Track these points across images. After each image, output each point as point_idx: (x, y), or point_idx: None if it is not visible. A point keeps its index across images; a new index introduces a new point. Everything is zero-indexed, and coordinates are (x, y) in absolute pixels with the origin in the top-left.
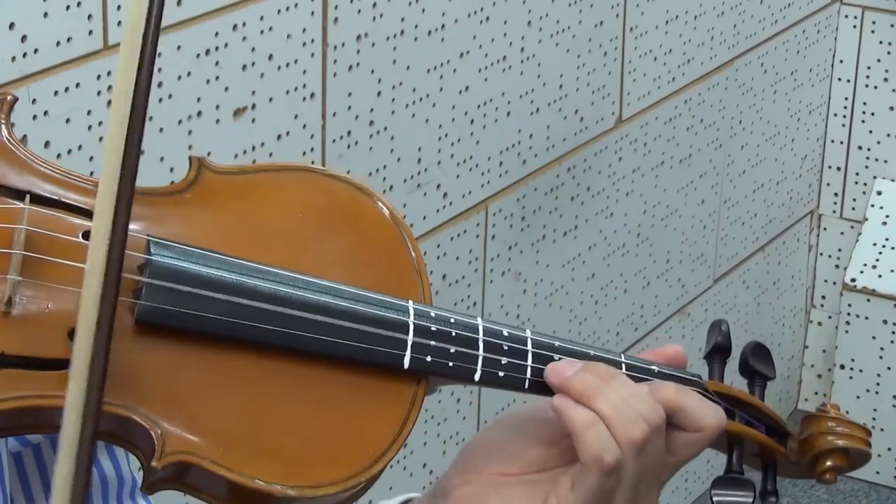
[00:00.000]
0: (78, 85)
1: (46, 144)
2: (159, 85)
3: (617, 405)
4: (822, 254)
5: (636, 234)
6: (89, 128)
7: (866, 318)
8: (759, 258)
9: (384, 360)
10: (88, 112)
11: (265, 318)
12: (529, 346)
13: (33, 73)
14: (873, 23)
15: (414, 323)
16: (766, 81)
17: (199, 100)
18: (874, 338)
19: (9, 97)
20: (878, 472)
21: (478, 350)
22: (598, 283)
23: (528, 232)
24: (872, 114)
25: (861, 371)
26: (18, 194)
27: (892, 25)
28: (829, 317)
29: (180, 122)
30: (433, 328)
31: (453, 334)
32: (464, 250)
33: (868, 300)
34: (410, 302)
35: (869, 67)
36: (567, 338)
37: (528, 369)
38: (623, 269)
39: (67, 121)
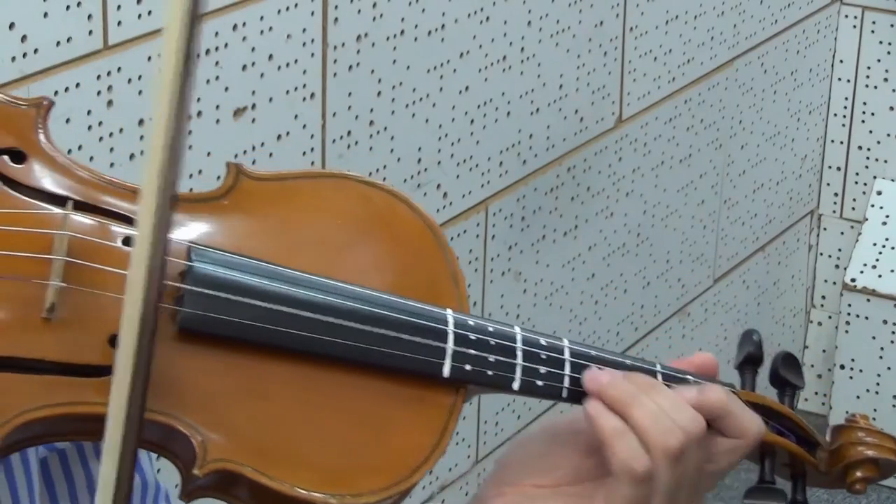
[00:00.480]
0: (78, 85)
1: None
2: None
3: (653, 414)
4: (822, 254)
5: (636, 234)
6: (89, 128)
7: (866, 318)
8: (759, 258)
9: (423, 368)
10: (88, 112)
11: (306, 326)
12: (567, 356)
13: (33, 73)
14: (873, 23)
15: (453, 332)
16: (766, 81)
17: (199, 100)
18: (874, 338)
19: (45, 101)
20: None
21: (516, 359)
22: (598, 283)
23: (528, 232)
24: (872, 114)
25: (861, 371)
26: (59, 200)
27: (892, 25)
28: (829, 317)
29: None
30: (472, 337)
31: (492, 343)
32: (464, 250)
33: (868, 300)
34: (449, 310)
35: (869, 67)
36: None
37: (567, 378)
38: (623, 269)
39: (67, 121)
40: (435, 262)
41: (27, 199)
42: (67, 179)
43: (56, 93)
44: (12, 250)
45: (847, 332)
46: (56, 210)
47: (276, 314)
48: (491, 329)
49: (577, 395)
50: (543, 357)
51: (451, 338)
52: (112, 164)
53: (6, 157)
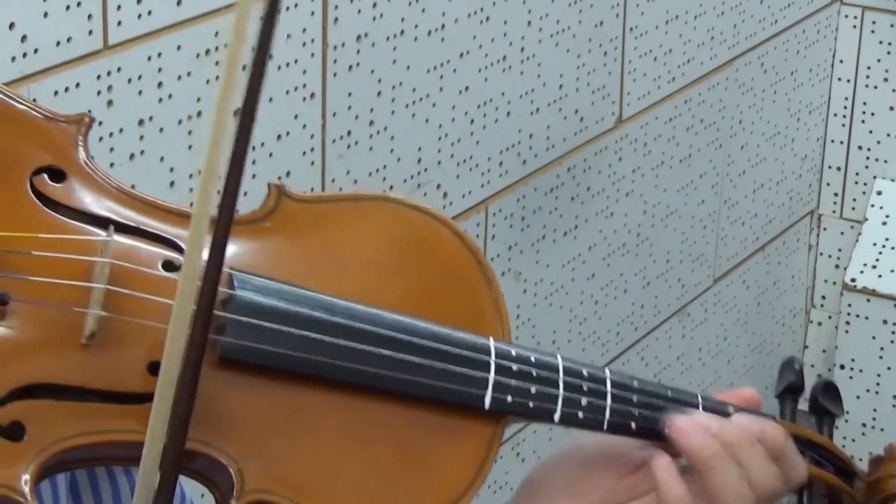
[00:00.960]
0: (78, 85)
1: None
2: (159, 85)
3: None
4: (822, 254)
5: (636, 234)
6: (99, 123)
7: (866, 318)
8: (759, 258)
9: (464, 399)
10: (88, 112)
11: (347, 356)
12: (609, 388)
13: (33, 73)
14: (873, 23)
15: (495, 362)
16: (766, 81)
17: (199, 100)
18: (874, 338)
19: (86, 118)
20: None
21: (558, 390)
22: (598, 283)
23: (528, 232)
24: (872, 114)
25: (861, 371)
26: (99, 221)
27: (892, 25)
28: (829, 317)
29: (180, 122)
30: (514, 367)
31: (534, 374)
32: None
33: (868, 300)
34: (491, 340)
35: (869, 67)
36: (567, 338)
37: (608, 410)
38: (623, 269)
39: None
40: (478, 289)
41: (67, 220)
42: (107, 200)
43: (56, 93)
44: (53, 277)
45: (847, 332)
46: (97, 234)
47: (318, 344)
48: (533, 359)
49: (617, 426)
50: (585, 389)
51: (492, 368)
52: (112, 164)
53: (45, 176)
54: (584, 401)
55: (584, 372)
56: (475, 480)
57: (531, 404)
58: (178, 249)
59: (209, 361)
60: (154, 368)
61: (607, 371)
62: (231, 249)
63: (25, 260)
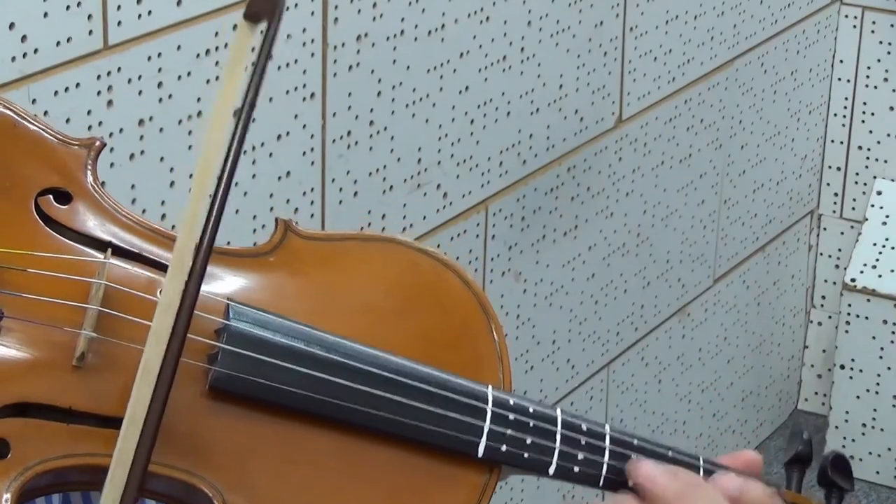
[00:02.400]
0: (78, 85)
1: None
2: (159, 85)
3: None
4: (822, 254)
5: (636, 234)
6: (89, 128)
7: (866, 318)
8: (759, 258)
9: (458, 446)
10: (88, 112)
11: (340, 394)
12: (607, 443)
13: (33, 73)
14: (873, 23)
15: (492, 410)
16: (766, 81)
17: (199, 100)
18: (874, 338)
19: (97, 143)
20: (878, 472)
21: (555, 443)
22: (598, 283)
23: (528, 232)
24: (872, 114)
25: (861, 371)
26: (100, 244)
27: (892, 25)
28: (829, 317)
29: (180, 122)
30: (511, 417)
31: (531, 425)
32: (464, 250)
33: (868, 300)
34: (490, 387)
35: (869, 67)
36: (567, 338)
37: (605, 466)
38: (623, 269)
39: (67, 121)
40: (481, 337)
41: (67, 241)
42: (110, 224)
43: (56, 93)
44: (49, 296)
45: (847, 332)
46: (95, 256)
47: (310, 379)
48: (531, 410)
49: (614, 483)
50: (583, 443)
51: (488, 416)
52: (112, 165)
53: (51, 197)
54: (580, 455)
55: (584, 426)
56: None
57: (526, 455)
58: None
59: (199, 390)
60: None
61: (607, 427)
62: (231, 281)
63: (21, 277)
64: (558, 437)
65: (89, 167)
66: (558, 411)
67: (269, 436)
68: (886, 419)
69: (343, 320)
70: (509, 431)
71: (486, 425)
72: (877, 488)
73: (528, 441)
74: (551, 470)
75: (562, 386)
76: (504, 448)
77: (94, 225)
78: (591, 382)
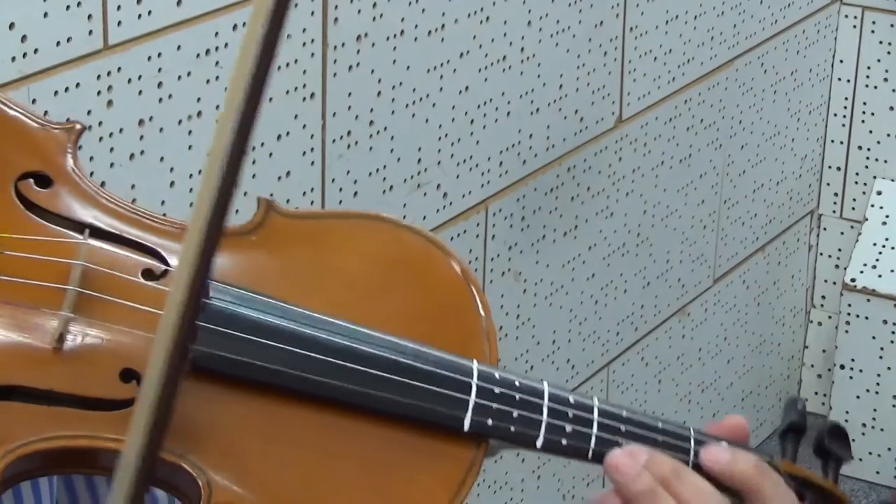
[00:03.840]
0: (78, 85)
1: None
2: (159, 85)
3: None
4: (822, 254)
5: (636, 234)
6: (89, 128)
7: (866, 318)
8: (759, 258)
9: (443, 420)
10: (88, 112)
11: (322, 370)
12: (596, 415)
13: (33, 73)
14: (873, 23)
15: (477, 384)
16: (766, 81)
17: (199, 100)
18: (874, 338)
19: (77, 126)
20: (877, 472)
21: (541, 415)
22: (598, 283)
23: (528, 232)
24: (872, 114)
25: (861, 371)
26: (79, 227)
27: (892, 25)
28: (829, 317)
29: (180, 122)
30: (496, 390)
31: (517, 398)
32: (464, 250)
33: (868, 300)
34: (475, 362)
35: (869, 67)
36: (567, 338)
37: (594, 439)
38: (623, 269)
39: (67, 121)
40: (467, 314)
41: (47, 224)
42: (92, 207)
43: (56, 93)
44: (28, 278)
45: (847, 332)
46: (74, 237)
47: (293, 356)
48: (517, 383)
49: (602, 457)
50: (570, 416)
51: (473, 390)
52: (112, 165)
53: (31, 181)
54: (568, 428)
55: (571, 399)
56: (452, 502)
57: (513, 428)
58: (162, 260)
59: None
60: (127, 375)
61: (595, 400)
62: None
63: None
64: (545, 410)
65: (70, 150)
66: (545, 384)
67: (252, 414)
68: (886, 419)
69: (326, 297)
70: (495, 405)
71: (472, 399)
72: (877, 488)
73: (515, 414)
74: (539, 443)
75: (562, 386)
76: (490, 422)
77: (74, 208)
78: (591, 382)
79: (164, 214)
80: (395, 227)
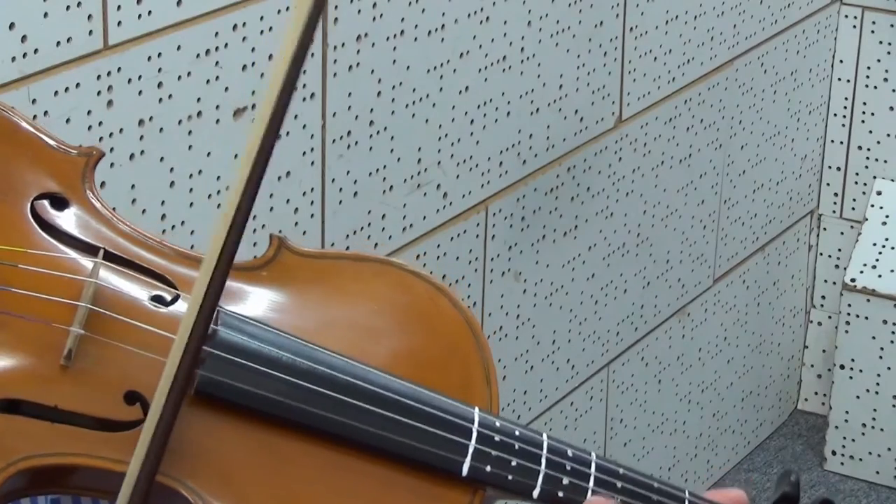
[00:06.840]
0: (78, 85)
1: None
2: (159, 85)
3: None
4: (822, 254)
5: (636, 235)
6: (89, 128)
7: (866, 318)
8: (759, 258)
9: (442, 464)
10: (88, 112)
11: (324, 405)
12: (593, 470)
13: (33, 73)
14: (873, 23)
15: (477, 430)
16: (766, 81)
17: (199, 100)
18: (874, 338)
19: (95, 152)
20: (877, 472)
21: (539, 465)
22: (598, 283)
23: (528, 232)
24: (872, 114)
25: (861, 371)
26: (93, 249)
27: (892, 25)
28: (829, 317)
29: (180, 122)
30: (496, 438)
31: (516, 447)
32: (464, 250)
33: (868, 300)
34: (476, 409)
35: (869, 67)
36: (567, 338)
37: (590, 492)
38: (623, 269)
39: (67, 121)
40: (470, 360)
41: (60, 245)
42: (105, 231)
43: (56, 93)
44: (41, 292)
45: (847, 332)
46: (87, 259)
47: (296, 389)
48: (517, 433)
49: None
50: (568, 468)
51: (474, 435)
52: (112, 165)
53: (46, 202)
54: (566, 480)
55: (569, 452)
56: None
57: (510, 477)
58: (171, 286)
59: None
60: (131, 398)
61: (593, 454)
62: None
63: (12, 273)
64: (543, 461)
65: (87, 175)
66: (544, 436)
67: (254, 445)
68: (886, 419)
69: (332, 336)
70: (494, 452)
71: (472, 445)
72: (877, 488)
73: (513, 463)
74: (535, 493)
75: (562, 386)
76: (489, 468)
77: (88, 230)
78: (591, 382)
79: (172, 228)
80: (403, 273)
